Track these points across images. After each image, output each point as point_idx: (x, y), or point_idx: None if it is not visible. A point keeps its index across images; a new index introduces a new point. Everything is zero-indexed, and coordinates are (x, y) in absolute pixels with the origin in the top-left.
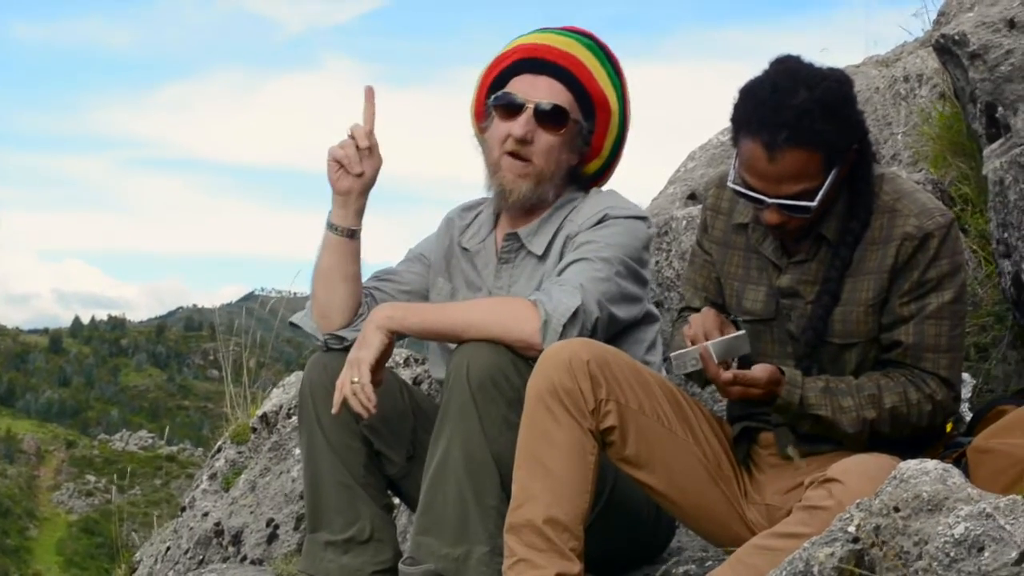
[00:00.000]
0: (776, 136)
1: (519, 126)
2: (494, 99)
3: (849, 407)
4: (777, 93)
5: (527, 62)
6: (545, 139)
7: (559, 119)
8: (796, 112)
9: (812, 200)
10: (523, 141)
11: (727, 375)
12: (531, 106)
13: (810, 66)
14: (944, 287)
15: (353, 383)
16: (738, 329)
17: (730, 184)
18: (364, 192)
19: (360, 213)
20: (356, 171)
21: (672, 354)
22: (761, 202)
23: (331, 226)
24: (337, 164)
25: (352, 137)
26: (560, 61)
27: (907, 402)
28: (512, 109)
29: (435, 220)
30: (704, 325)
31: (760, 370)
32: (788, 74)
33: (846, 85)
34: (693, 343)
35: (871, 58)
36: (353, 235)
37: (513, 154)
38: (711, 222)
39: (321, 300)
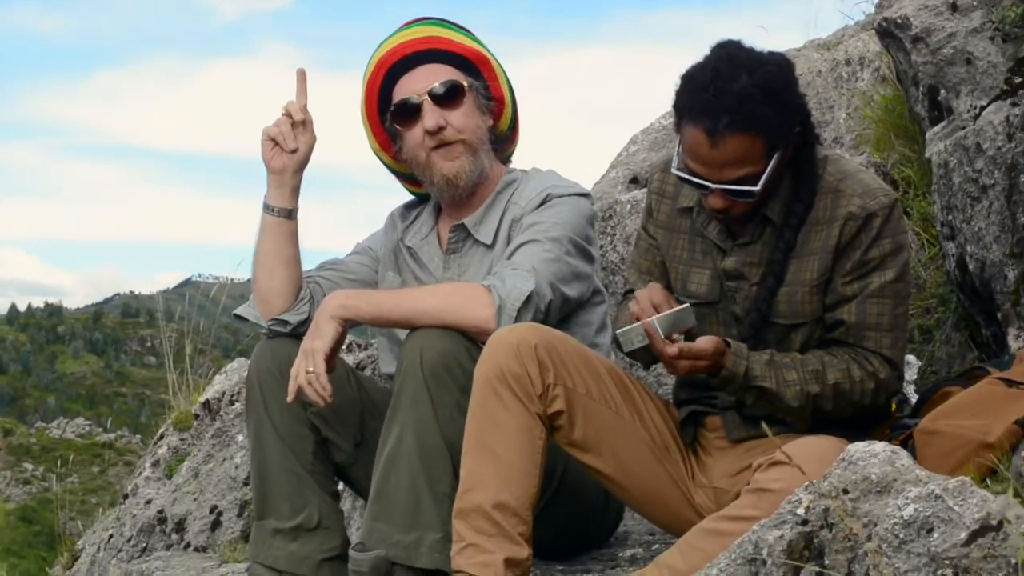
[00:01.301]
0: (718, 122)
1: (428, 119)
2: (390, 117)
3: (793, 381)
4: (718, 79)
5: (393, 69)
6: (456, 115)
7: (456, 92)
8: (737, 97)
9: (755, 184)
10: (439, 129)
11: (672, 349)
12: (425, 97)
13: (751, 51)
14: (886, 266)
15: (308, 372)
16: (681, 304)
17: (674, 170)
18: (299, 169)
19: (296, 192)
20: (291, 147)
21: (618, 331)
22: (705, 188)
23: (267, 207)
24: (272, 142)
25: (287, 113)
26: (420, 47)
27: (850, 379)
28: (411, 113)
29: (369, 205)
30: (652, 299)
31: (705, 341)
32: (729, 59)
33: (787, 69)
34: (638, 319)
35: (812, 41)
36: (290, 215)
37: (437, 146)
38: (656, 206)
39: (261, 285)
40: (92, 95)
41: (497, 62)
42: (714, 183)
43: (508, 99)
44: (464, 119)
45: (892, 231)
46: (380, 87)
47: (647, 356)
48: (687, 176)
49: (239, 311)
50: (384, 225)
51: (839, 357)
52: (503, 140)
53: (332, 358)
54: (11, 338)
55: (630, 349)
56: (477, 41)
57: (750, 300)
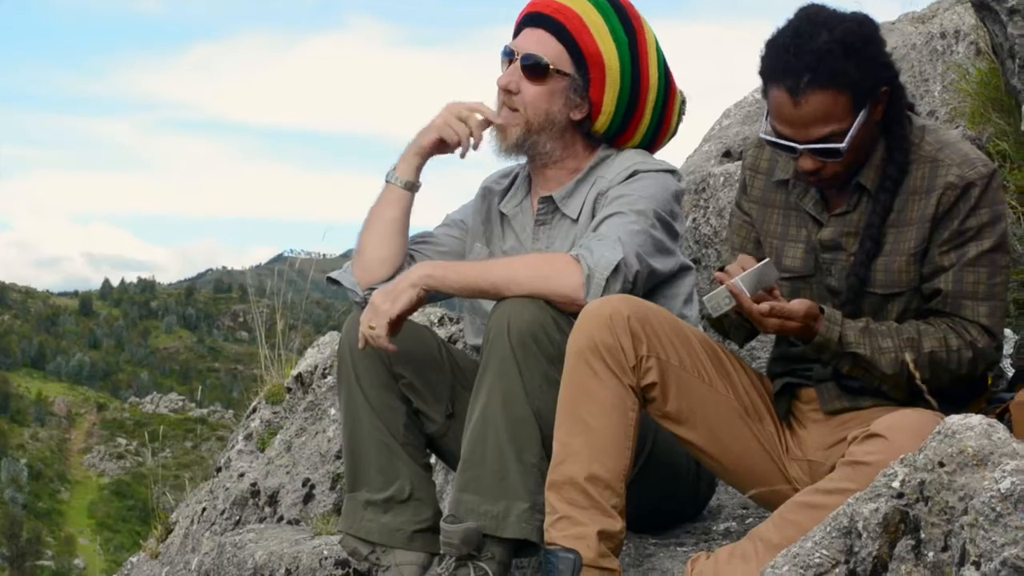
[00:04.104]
0: (799, 80)
1: (504, 76)
2: (501, 52)
3: (888, 348)
4: (798, 38)
5: (528, 17)
6: (529, 90)
7: (539, 71)
8: (817, 55)
9: (841, 142)
10: (507, 91)
11: (763, 306)
12: (517, 58)
13: (832, 10)
14: (984, 236)
15: (371, 328)
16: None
17: (762, 135)
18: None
19: (421, 169)
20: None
21: (704, 298)
22: (793, 150)
23: (395, 179)
24: (454, 134)
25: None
26: (554, 14)
27: (947, 348)
28: (506, 59)
29: (463, 180)
30: (741, 265)
31: (798, 303)
32: (808, 19)
33: (868, 26)
34: (722, 284)
35: (907, 15)
36: (413, 188)
37: (505, 104)
38: (750, 181)
39: (369, 252)
40: (185, 70)
41: (626, 75)
42: (801, 143)
43: (611, 109)
44: (536, 98)
45: (990, 201)
46: (518, 24)
47: (740, 333)
48: (775, 139)
49: (334, 275)
50: (475, 196)
51: (936, 326)
52: (605, 137)
53: (399, 323)
54: (104, 313)
55: (719, 313)
56: (623, 45)
57: (847, 269)
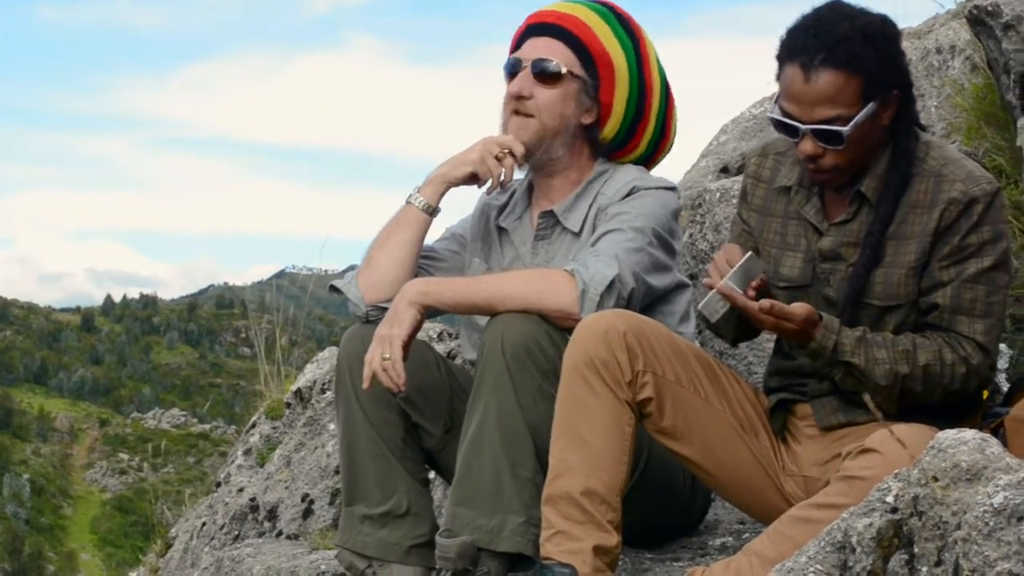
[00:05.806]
0: (814, 57)
1: (515, 84)
2: (503, 67)
3: (883, 359)
4: (819, 22)
5: (530, 28)
6: (543, 94)
7: (551, 75)
8: (836, 37)
9: (845, 126)
10: (520, 97)
11: (764, 303)
12: (527, 64)
13: (855, 6)
14: (984, 253)
15: (384, 359)
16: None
17: (769, 115)
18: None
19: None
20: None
21: (699, 306)
22: (795, 131)
23: (418, 201)
24: (485, 167)
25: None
26: (559, 22)
27: (941, 362)
28: (512, 70)
29: (461, 197)
30: (727, 260)
31: (799, 306)
32: (832, 8)
33: (891, 25)
34: (711, 288)
35: (903, 30)
36: (433, 213)
37: (516, 112)
38: (751, 190)
39: (380, 270)
40: (182, 88)
41: (634, 78)
42: (805, 123)
43: (621, 111)
44: (550, 101)
45: (993, 219)
46: (519, 38)
47: (729, 328)
48: (780, 118)
49: (337, 283)
50: (474, 210)
51: (932, 340)
52: (609, 146)
53: (408, 345)
54: (107, 329)
55: (717, 318)
56: (628, 49)
57: (845, 279)
